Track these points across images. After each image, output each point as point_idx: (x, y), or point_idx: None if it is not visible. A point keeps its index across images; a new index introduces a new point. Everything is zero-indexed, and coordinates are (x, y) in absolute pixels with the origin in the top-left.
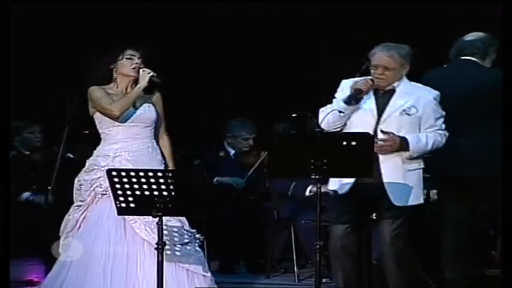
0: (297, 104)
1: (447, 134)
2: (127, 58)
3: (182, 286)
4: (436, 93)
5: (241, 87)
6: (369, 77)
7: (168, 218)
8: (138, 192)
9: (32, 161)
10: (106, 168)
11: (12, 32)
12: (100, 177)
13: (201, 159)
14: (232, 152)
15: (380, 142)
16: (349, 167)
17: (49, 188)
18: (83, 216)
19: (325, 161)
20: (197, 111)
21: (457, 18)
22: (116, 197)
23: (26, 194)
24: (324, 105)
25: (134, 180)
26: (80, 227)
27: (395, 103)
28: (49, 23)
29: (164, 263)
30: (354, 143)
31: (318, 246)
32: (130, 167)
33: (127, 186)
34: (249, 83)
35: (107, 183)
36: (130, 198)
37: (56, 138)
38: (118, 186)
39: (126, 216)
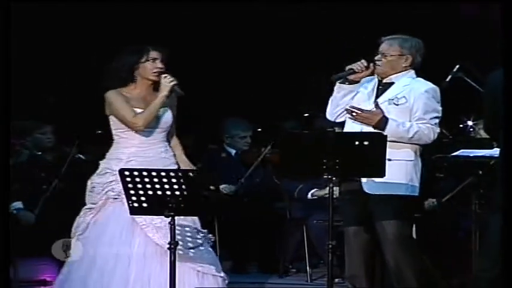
0: (303, 102)
1: (438, 129)
2: (150, 61)
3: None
4: (431, 86)
5: (242, 86)
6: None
7: (181, 218)
8: (150, 192)
9: (44, 161)
10: None
11: (16, 31)
12: (113, 181)
13: (202, 163)
14: (233, 152)
15: (358, 111)
16: (362, 167)
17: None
18: (94, 219)
19: (337, 161)
20: (197, 111)
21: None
22: (128, 197)
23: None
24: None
25: (147, 180)
26: (90, 229)
27: (389, 93)
28: (55, 21)
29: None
30: (366, 143)
31: (330, 246)
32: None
33: (139, 186)
34: (250, 82)
35: (120, 187)
36: (142, 198)
37: (67, 139)
38: (130, 186)
39: (137, 221)
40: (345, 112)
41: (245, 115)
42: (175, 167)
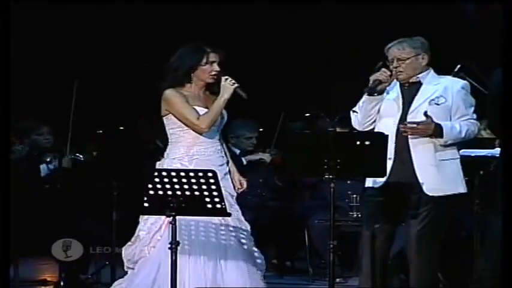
0: (305, 103)
1: (479, 124)
2: (209, 63)
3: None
4: (464, 82)
5: (248, 87)
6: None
7: (242, 221)
8: (152, 192)
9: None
10: None
11: (16, 31)
12: None
13: None
14: (238, 151)
15: (413, 125)
16: (363, 167)
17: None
18: (167, 219)
19: (338, 160)
20: None
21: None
22: None
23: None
24: (334, 104)
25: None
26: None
27: (423, 94)
28: (55, 21)
29: (248, 267)
30: (367, 143)
31: (331, 245)
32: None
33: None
34: (256, 82)
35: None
36: (144, 198)
37: (65, 139)
38: None
39: (218, 222)
40: (373, 121)
41: (251, 116)
42: (227, 167)
